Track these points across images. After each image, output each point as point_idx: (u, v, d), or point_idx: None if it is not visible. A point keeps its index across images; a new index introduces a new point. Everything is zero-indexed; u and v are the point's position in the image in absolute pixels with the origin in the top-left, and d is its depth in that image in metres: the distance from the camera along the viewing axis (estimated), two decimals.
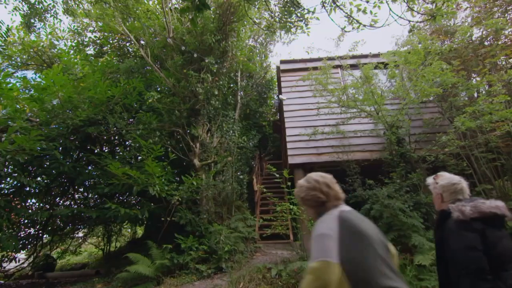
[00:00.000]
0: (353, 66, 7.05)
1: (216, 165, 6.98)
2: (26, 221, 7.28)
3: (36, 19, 6.01)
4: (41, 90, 6.08)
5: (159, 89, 8.30)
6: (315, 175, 1.64)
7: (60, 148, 7.03)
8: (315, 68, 6.90)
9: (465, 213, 1.56)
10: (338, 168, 6.79)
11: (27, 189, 7.09)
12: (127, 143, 8.51)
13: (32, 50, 8.41)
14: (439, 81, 5.50)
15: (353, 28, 3.13)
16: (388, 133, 5.47)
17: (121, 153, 7.81)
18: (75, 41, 9.38)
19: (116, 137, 8.61)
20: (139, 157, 6.93)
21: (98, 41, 9.75)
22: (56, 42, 9.21)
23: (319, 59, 7.69)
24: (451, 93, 5.92)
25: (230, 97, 8.51)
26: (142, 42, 8.20)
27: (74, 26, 9.21)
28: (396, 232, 4.90)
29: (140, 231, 13.19)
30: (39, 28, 6.47)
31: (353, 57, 7.55)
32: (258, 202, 8.01)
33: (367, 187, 5.75)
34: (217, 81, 6.99)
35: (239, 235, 5.88)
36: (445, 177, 1.88)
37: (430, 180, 1.98)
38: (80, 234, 10.85)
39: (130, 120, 7.76)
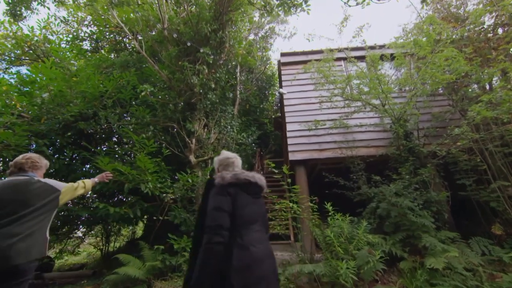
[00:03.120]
0: (358, 58, 6.69)
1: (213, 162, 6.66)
2: None
3: (23, 8, 5.72)
4: (29, 83, 5.82)
5: (157, 85, 8.02)
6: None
7: (51, 145, 6.77)
8: (317, 61, 6.56)
9: (225, 179, 1.80)
10: (342, 164, 6.44)
11: None
12: (124, 140, 8.22)
13: (25, 44, 8.16)
14: (449, 70, 5.11)
15: (357, 4, 2.79)
16: (396, 126, 5.09)
17: (119, 151, 7.54)
18: (70, 35, 9.14)
19: (116, 135, 8.34)
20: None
21: (94, 36, 9.49)
22: (51, 37, 8.96)
23: (321, 51, 7.34)
24: (462, 83, 5.54)
25: (229, 91, 8.19)
26: (139, 37, 7.92)
27: (69, 19, 8.95)
28: (404, 232, 4.55)
29: (140, 231, 12.95)
30: (25, 17, 6.16)
31: (358, 48, 7.20)
32: None
33: (372, 184, 5.40)
34: (213, 73, 6.66)
35: None
36: (223, 153, 2.20)
37: (216, 158, 2.23)
38: (80, 234, 10.62)
39: (125, 116, 7.48)
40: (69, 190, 2.56)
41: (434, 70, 4.47)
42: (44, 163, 2.61)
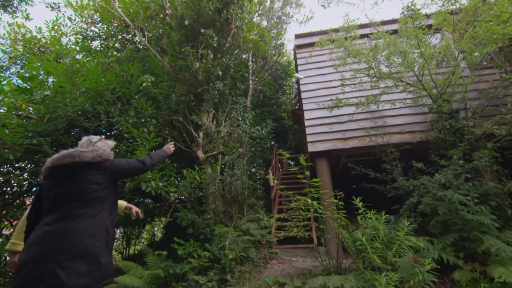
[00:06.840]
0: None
1: (223, 157, 6.03)
2: None
3: None
4: (28, 79, 5.54)
5: (161, 76, 7.60)
6: None
7: (58, 145, 6.50)
8: (335, 32, 5.74)
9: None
10: (370, 156, 5.55)
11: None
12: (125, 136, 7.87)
13: (35, 47, 8.07)
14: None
15: None
16: (440, 102, 4.13)
17: (120, 148, 7.17)
18: (80, 35, 8.98)
19: (127, 136, 8.04)
20: None
21: (104, 36, 9.28)
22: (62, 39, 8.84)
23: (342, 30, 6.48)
24: None
25: (240, 82, 7.53)
26: (147, 33, 7.53)
27: (76, 20, 8.79)
28: (456, 233, 3.64)
29: (159, 234, 12.71)
30: (16, 7, 5.90)
31: (386, 22, 6.31)
32: (275, 200, 6.92)
33: (410, 175, 4.50)
34: (219, 58, 6.03)
35: (250, 238, 4.86)
36: None
37: None
38: None
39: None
40: None
41: (492, 22, 3.49)
42: None
